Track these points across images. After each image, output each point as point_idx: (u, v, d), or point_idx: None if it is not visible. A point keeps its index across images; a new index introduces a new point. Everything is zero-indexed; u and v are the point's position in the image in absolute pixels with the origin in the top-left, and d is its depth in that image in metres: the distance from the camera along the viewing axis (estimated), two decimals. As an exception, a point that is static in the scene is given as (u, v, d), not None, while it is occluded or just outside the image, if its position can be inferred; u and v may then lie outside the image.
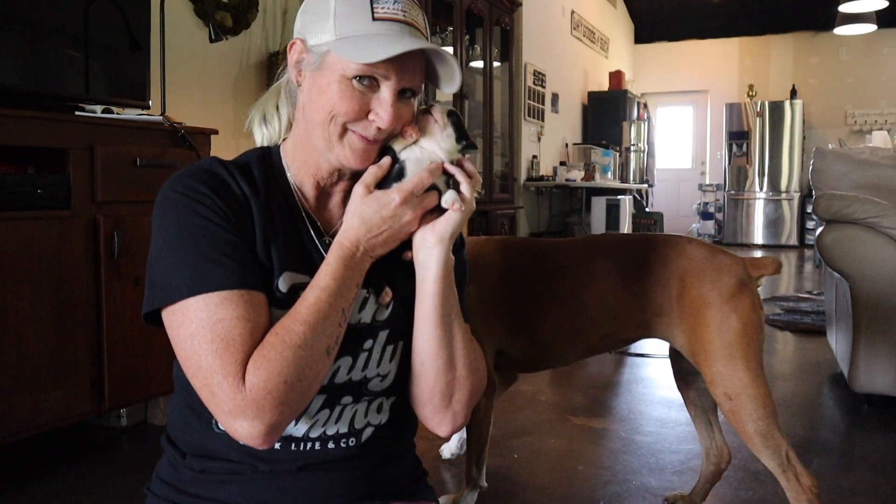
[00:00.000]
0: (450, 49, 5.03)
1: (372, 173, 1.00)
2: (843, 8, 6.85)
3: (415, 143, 1.03)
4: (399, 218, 0.98)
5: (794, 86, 10.40)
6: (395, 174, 1.00)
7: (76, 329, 2.05)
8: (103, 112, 2.32)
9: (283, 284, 1.01)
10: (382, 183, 1.01)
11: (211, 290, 0.94)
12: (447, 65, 1.02)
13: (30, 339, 1.93)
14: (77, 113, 2.11)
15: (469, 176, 1.02)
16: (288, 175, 1.08)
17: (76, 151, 2.05)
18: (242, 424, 0.91)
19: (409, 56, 0.96)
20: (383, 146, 1.03)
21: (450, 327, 1.03)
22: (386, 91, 0.98)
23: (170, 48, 2.95)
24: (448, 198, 1.00)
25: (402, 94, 1.00)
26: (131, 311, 2.20)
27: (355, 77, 0.97)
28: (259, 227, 1.02)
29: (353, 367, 1.06)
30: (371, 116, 0.99)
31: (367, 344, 1.07)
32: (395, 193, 0.97)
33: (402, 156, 1.02)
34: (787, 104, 10.13)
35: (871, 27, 7.32)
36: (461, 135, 1.03)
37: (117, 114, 2.34)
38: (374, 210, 0.97)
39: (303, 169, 1.07)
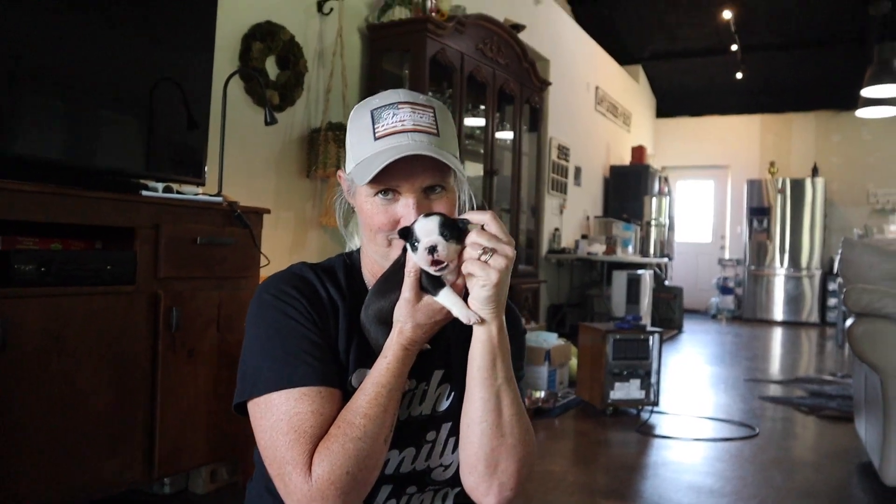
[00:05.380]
0: (482, 121, 5.20)
1: (409, 288, 1.03)
2: (866, 92, 6.99)
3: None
4: (448, 315, 1.05)
5: (815, 164, 10.52)
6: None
7: (133, 399, 2.13)
8: (164, 190, 2.45)
9: (355, 381, 1.10)
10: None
11: (293, 385, 1.04)
12: (448, 157, 1.06)
13: (93, 409, 2.01)
14: (143, 193, 2.22)
15: (494, 237, 1.01)
16: (364, 277, 1.19)
17: (143, 230, 2.17)
18: None
19: (412, 158, 1.04)
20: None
21: (496, 392, 1.06)
22: (405, 197, 1.07)
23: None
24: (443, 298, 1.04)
25: (431, 191, 1.09)
26: (183, 383, 2.28)
27: (376, 194, 1.08)
28: (343, 329, 1.12)
29: (417, 457, 1.14)
30: (402, 223, 1.07)
31: (431, 436, 1.15)
32: (443, 304, 1.04)
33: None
34: (808, 181, 10.23)
35: (894, 110, 7.46)
36: (445, 221, 1.01)
37: (177, 192, 2.46)
38: (427, 315, 1.04)
39: (371, 272, 1.18)
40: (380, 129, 1.07)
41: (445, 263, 1.00)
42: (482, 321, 1.03)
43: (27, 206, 1.89)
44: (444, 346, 1.16)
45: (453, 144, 1.12)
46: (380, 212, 1.08)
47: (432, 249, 0.99)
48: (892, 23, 7.69)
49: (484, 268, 1.00)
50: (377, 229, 1.09)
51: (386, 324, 1.07)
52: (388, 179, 1.06)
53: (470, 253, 1.01)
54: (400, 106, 1.08)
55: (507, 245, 1.00)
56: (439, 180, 1.09)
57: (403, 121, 1.07)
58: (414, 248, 1.01)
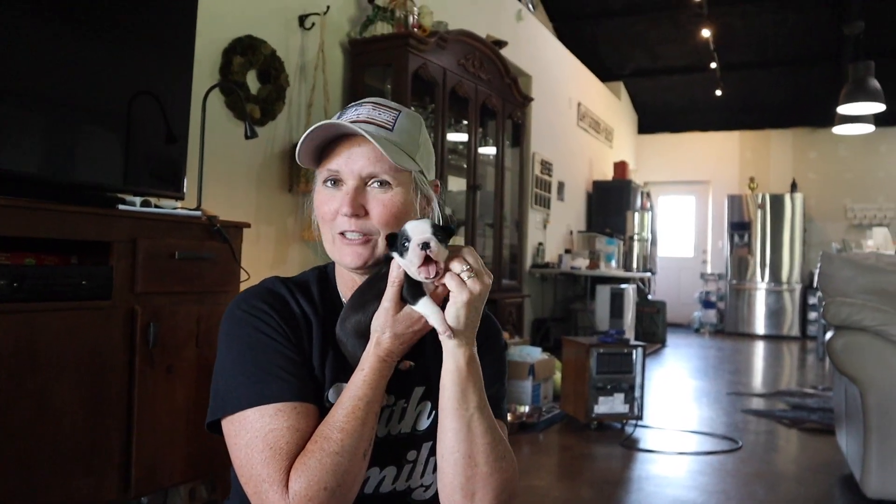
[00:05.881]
0: (464, 137, 5.21)
1: (391, 298, 1.02)
2: (842, 109, 7.07)
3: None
4: (425, 325, 1.04)
5: (794, 180, 10.63)
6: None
7: (110, 417, 2.09)
8: (142, 204, 2.42)
9: (332, 396, 1.08)
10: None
11: (268, 402, 1.02)
12: (385, 145, 1.05)
13: (67, 426, 1.97)
14: (120, 207, 2.20)
15: (471, 267, 1.01)
16: (338, 289, 1.17)
17: (119, 245, 2.14)
18: None
19: (357, 147, 1.06)
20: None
21: (468, 421, 1.04)
22: (345, 184, 1.08)
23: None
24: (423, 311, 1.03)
25: (379, 186, 1.07)
26: (161, 400, 2.25)
27: (325, 182, 1.09)
28: (317, 343, 1.10)
29: (398, 477, 1.12)
30: (340, 211, 1.07)
31: (411, 455, 1.13)
32: (422, 313, 1.02)
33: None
34: (787, 197, 10.33)
35: (869, 128, 7.55)
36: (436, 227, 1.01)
37: (155, 206, 2.43)
38: (406, 325, 1.03)
39: (344, 283, 1.16)
40: (338, 121, 1.09)
41: (435, 270, 0.99)
42: (453, 335, 1.02)
43: None
44: (424, 363, 1.14)
45: (411, 147, 1.10)
46: (325, 201, 1.09)
47: (426, 245, 0.98)
48: (865, 42, 7.80)
49: (460, 285, 0.99)
50: (321, 218, 1.10)
51: (364, 336, 1.05)
52: (326, 160, 1.08)
53: (454, 267, 1.00)
54: (364, 103, 1.11)
55: (487, 276, 1.02)
56: (381, 172, 1.07)
57: (360, 114, 1.09)
58: (403, 249, 0.99)
